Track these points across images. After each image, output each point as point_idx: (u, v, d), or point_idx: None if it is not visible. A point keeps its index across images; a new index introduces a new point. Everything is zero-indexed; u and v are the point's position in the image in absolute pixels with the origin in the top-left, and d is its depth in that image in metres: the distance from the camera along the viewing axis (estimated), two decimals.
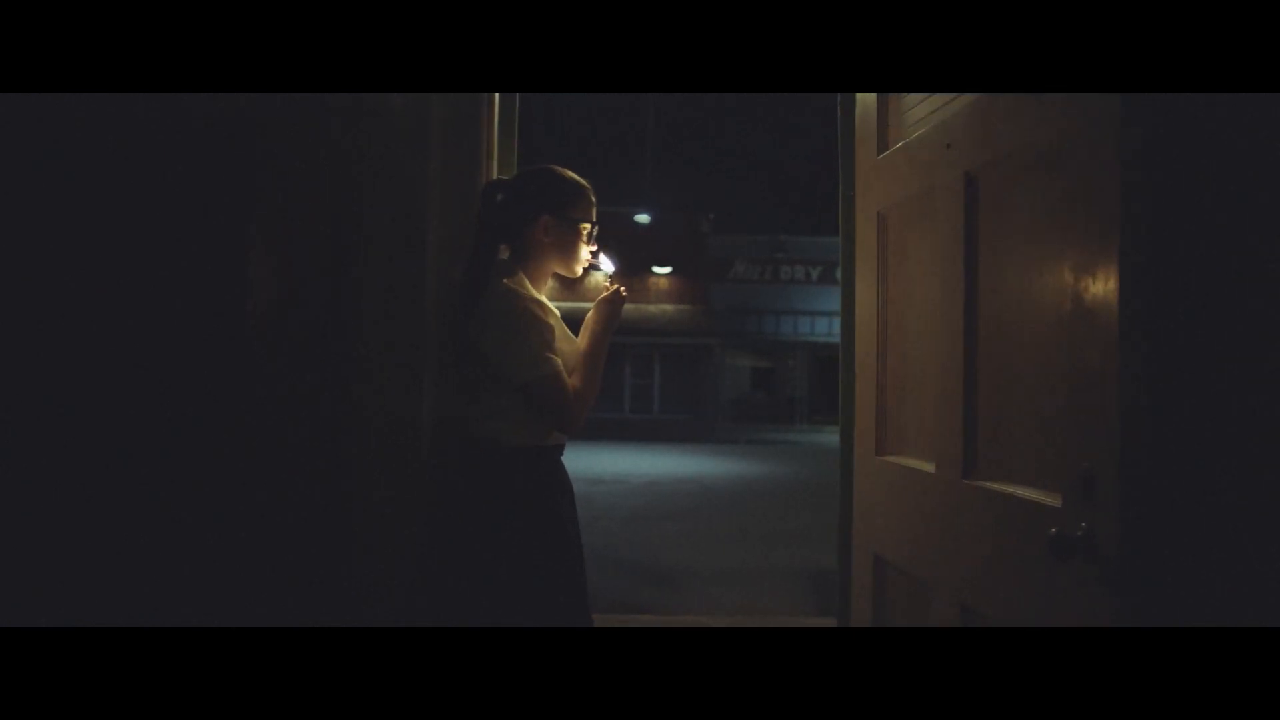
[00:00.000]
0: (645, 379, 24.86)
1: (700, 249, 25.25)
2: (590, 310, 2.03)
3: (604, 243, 2.11)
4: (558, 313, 1.98)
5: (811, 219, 26.42)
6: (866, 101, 2.10)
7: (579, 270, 2.06)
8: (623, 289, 2.05)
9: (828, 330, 25.86)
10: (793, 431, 24.87)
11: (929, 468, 1.71)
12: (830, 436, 23.25)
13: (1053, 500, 1.31)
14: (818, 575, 6.61)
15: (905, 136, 1.89)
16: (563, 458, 2.02)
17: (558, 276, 2.13)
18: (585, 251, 2.05)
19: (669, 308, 24.97)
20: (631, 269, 24.34)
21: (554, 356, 1.87)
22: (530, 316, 1.86)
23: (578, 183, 2.04)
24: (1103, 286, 1.18)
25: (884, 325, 1.98)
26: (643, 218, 23.95)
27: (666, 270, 25.01)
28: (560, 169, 2.06)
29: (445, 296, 1.91)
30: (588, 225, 2.04)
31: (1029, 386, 1.43)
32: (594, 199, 2.06)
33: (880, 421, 1.96)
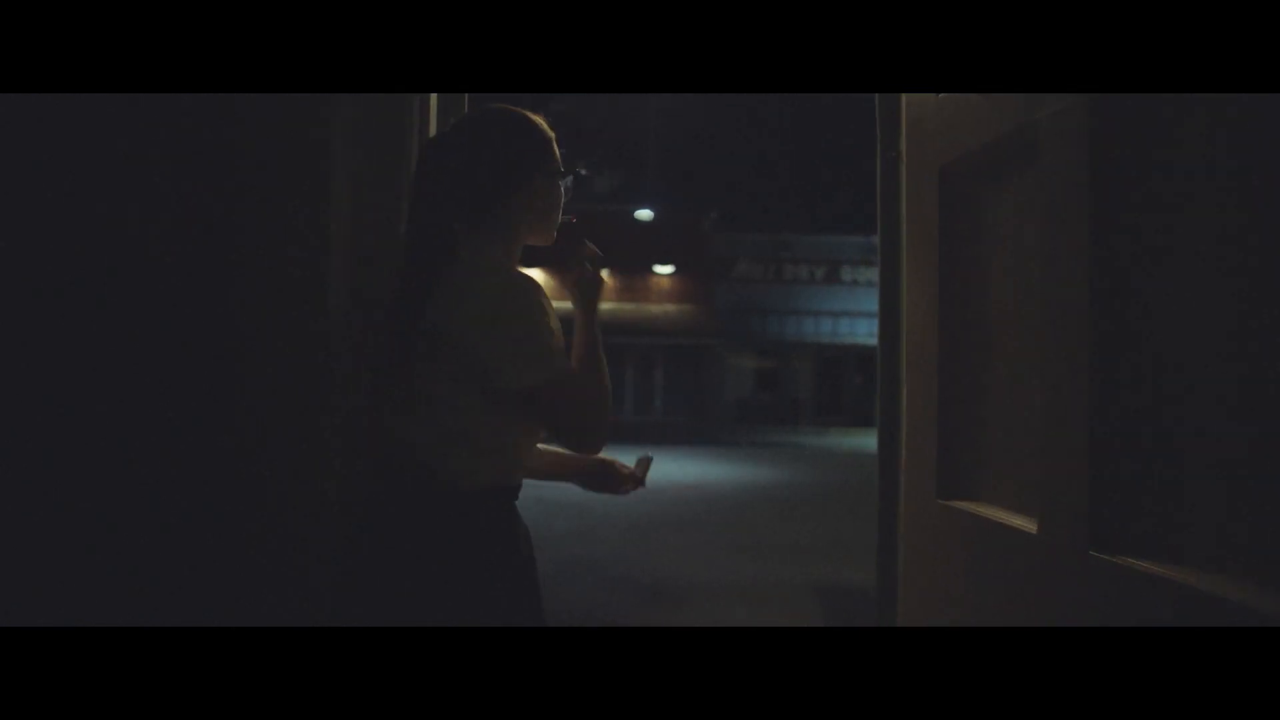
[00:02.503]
0: (647, 380, 24.42)
1: (703, 247, 24.83)
2: (576, 299, 1.57)
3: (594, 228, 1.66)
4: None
5: (816, 217, 25.88)
6: None
7: (554, 235, 1.60)
8: (595, 257, 1.58)
9: (832, 330, 25.47)
10: (797, 434, 24.41)
11: (1027, 526, 1.19)
12: (835, 439, 22.81)
13: None
14: (829, 591, 6.26)
15: None
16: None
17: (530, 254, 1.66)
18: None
19: (671, 307, 24.58)
20: (633, 268, 23.94)
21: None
22: (542, 303, 1.41)
23: (542, 124, 1.56)
24: None
25: (948, 320, 1.46)
26: (644, 214, 23.49)
27: (669, 269, 24.60)
28: (519, 111, 1.56)
29: (364, 299, 1.60)
30: (570, 176, 1.59)
31: (1218, 417, 0.91)
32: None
33: (944, 453, 1.44)
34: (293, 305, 1.52)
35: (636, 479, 1.68)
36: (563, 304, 1.47)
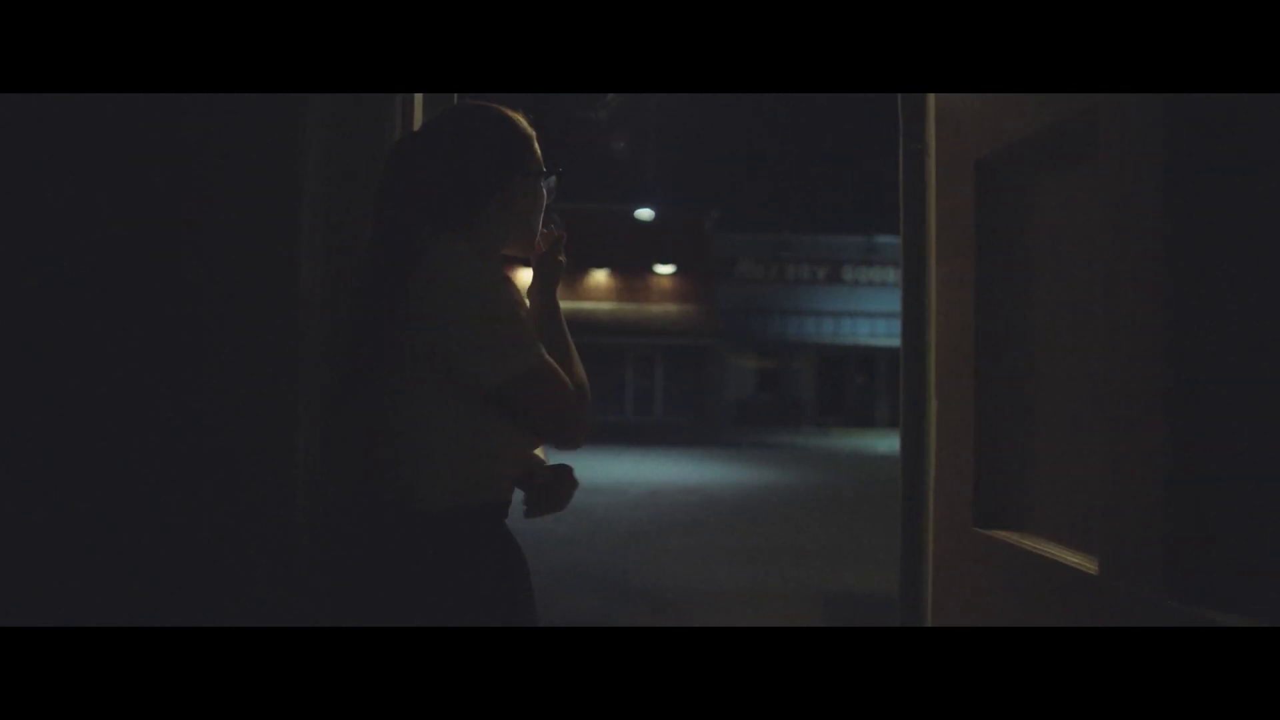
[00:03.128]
0: (647, 380, 24.30)
1: (704, 247, 24.72)
2: (534, 284, 1.48)
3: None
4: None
5: (816, 217, 25.75)
6: None
7: (536, 243, 1.47)
8: (558, 240, 1.48)
9: (834, 331, 25.40)
10: (798, 435, 24.30)
11: (1085, 564, 1.05)
12: (837, 440, 22.66)
13: None
14: (833, 597, 6.18)
15: None
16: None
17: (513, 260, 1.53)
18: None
19: (672, 307, 24.48)
20: (633, 268, 23.83)
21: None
22: (511, 293, 1.31)
23: (522, 121, 1.44)
24: None
25: (987, 326, 1.32)
26: (645, 214, 23.36)
27: (669, 269, 24.49)
28: (496, 107, 1.43)
29: (336, 314, 1.48)
30: (552, 177, 1.46)
31: None
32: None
33: (983, 475, 1.30)
34: (267, 310, 1.39)
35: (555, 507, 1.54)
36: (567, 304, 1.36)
